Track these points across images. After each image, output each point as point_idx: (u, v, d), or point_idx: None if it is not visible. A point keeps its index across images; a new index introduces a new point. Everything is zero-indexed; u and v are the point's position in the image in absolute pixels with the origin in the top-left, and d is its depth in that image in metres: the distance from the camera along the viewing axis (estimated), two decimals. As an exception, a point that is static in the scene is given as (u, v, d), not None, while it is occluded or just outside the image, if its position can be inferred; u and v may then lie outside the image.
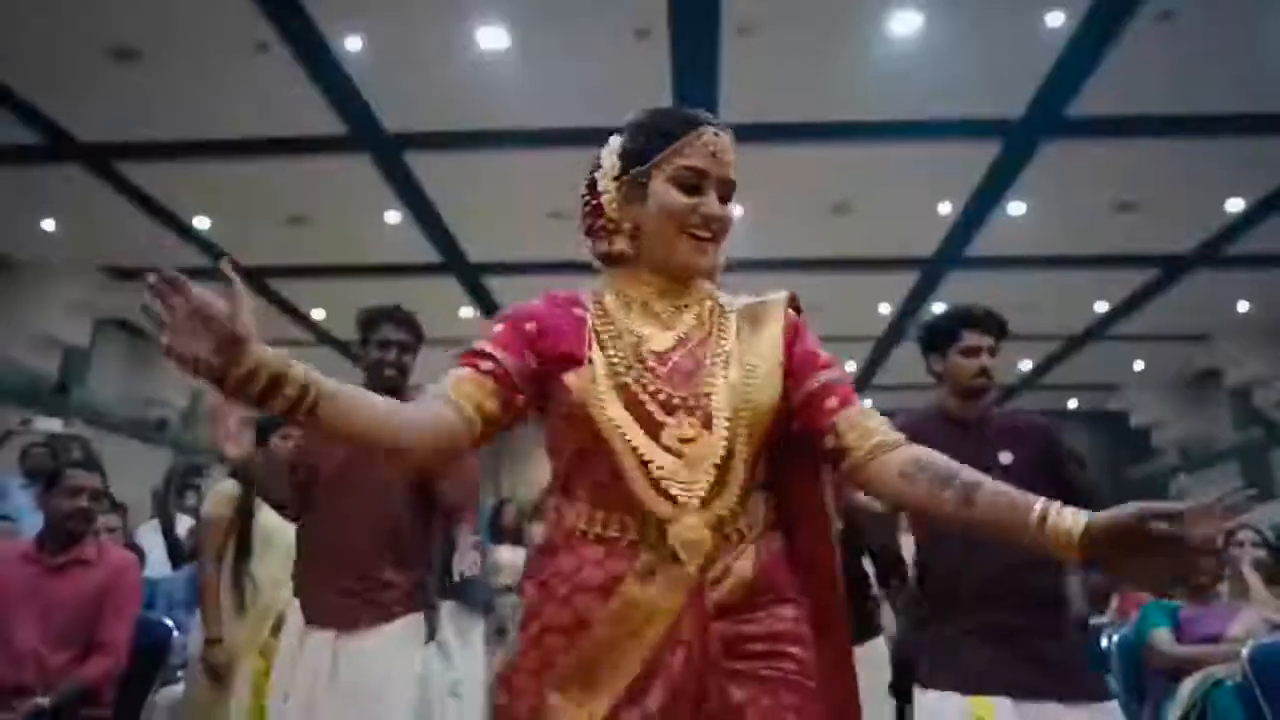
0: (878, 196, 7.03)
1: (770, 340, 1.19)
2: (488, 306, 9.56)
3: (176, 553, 4.01)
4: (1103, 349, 10.64)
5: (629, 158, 1.21)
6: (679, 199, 1.16)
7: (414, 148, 6.41)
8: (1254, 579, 2.96)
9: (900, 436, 1.12)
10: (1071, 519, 0.95)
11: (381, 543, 2.20)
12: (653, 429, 1.09)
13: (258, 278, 8.80)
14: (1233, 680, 2.58)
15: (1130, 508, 0.91)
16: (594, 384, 1.11)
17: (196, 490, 4.90)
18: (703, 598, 1.07)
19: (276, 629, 2.57)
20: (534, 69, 5.61)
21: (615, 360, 1.13)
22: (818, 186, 6.93)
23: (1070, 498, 2.02)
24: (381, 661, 2.12)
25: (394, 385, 2.34)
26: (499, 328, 1.17)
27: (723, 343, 1.17)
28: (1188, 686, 2.72)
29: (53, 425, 4.85)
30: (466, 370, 1.12)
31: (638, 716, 1.02)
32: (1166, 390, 12.11)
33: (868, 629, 2.63)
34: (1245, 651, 2.49)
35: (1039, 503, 0.98)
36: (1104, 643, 3.54)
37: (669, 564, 1.06)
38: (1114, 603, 5.02)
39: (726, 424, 1.10)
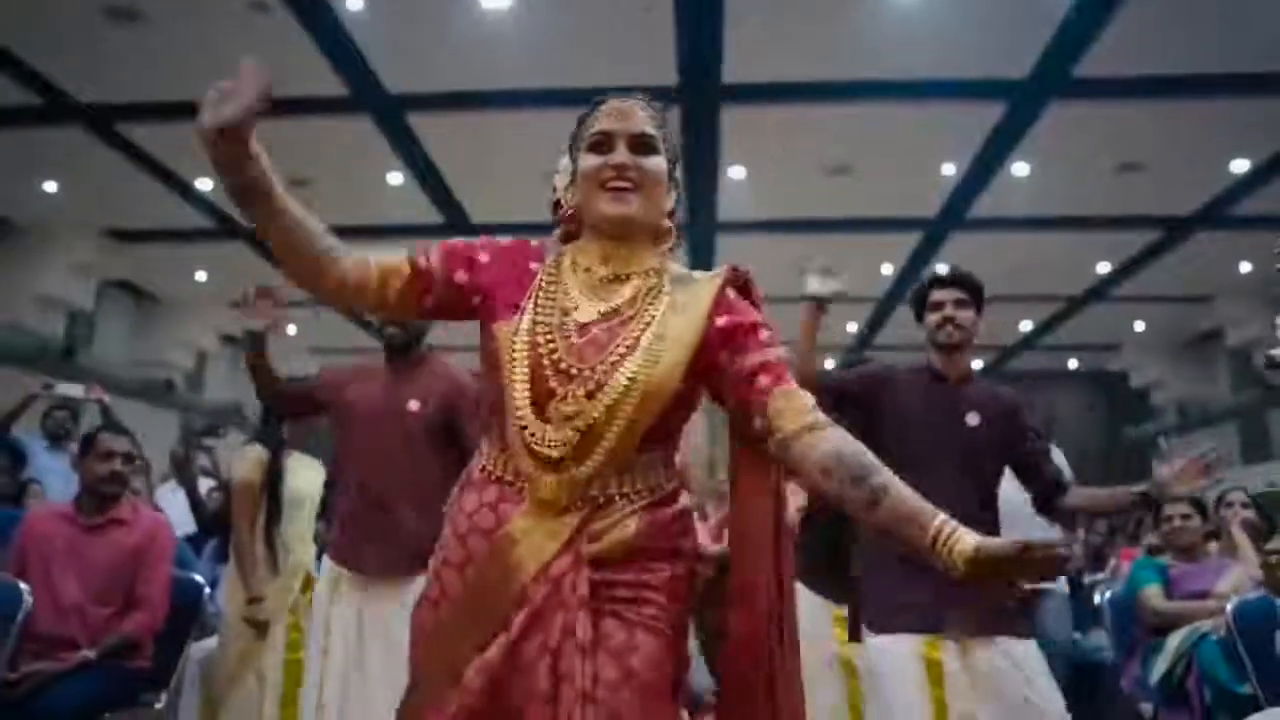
0: (880, 157, 7.00)
1: (692, 318, 1.23)
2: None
3: (201, 514, 4.09)
4: (1104, 310, 10.67)
5: (569, 148, 1.34)
6: (592, 160, 1.25)
7: (416, 109, 6.38)
8: (1242, 538, 3.06)
9: (823, 419, 1.17)
10: (962, 545, 1.04)
11: (405, 482, 2.29)
12: (542, 395, 1.18)
13: (260, 239, 8.80)
14: (1217, 634, 2.69)
15: (1011, 544, 1.02)
16: (513, 340, 1.20)
17: (209, 452, 4.97)
18: (576, 547, 1.15)
19: (306, 586, 2.67)
20: (536, 28, 5.56)
21: (539, 323, 1.21)
22: (820, 147, 6.91)
23: (1020, 465, 2.12)
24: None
25: (405, 346, 2.52)
26: (458, 240, 1.29)
27: (646, 318, 1.22)
28: (1174, 640, 2.83)
29: (74, 389, 4.91)
30: (400, 254, 1.26)
31: (504, 643, 1.12)
32: (1167, 351, 12.17)
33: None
34: (1229, 607, 2.59)
35: (935, 521, 1.07)
36: (1097, 599, 3.66)
37: (548, 515, 1.16)
38: (1112, 562, 5.15)
39: (615, 396, 1.16)
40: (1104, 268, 9.39)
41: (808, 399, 1.19)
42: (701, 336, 1.22)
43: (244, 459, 2.96)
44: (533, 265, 1.28)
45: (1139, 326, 11.59)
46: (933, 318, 2.28)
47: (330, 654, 2.22)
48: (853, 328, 11.98)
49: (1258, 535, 3.21)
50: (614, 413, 1.16)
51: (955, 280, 2.32)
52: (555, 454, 1.16)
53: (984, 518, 2.06)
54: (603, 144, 1.25)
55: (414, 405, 2.38)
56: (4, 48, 5.53)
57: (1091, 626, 3.83)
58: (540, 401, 1.17)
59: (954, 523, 1.07)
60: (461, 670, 1.12)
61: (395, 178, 7.42)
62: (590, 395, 1.16)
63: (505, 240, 1.32)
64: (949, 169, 7.21)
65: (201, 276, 9.93)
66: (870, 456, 1.14)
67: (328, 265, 1.24)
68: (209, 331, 11.08)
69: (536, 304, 1.23)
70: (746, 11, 5.31)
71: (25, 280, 8.29)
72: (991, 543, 1.03)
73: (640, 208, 1.25)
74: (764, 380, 1.19)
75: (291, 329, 12.29)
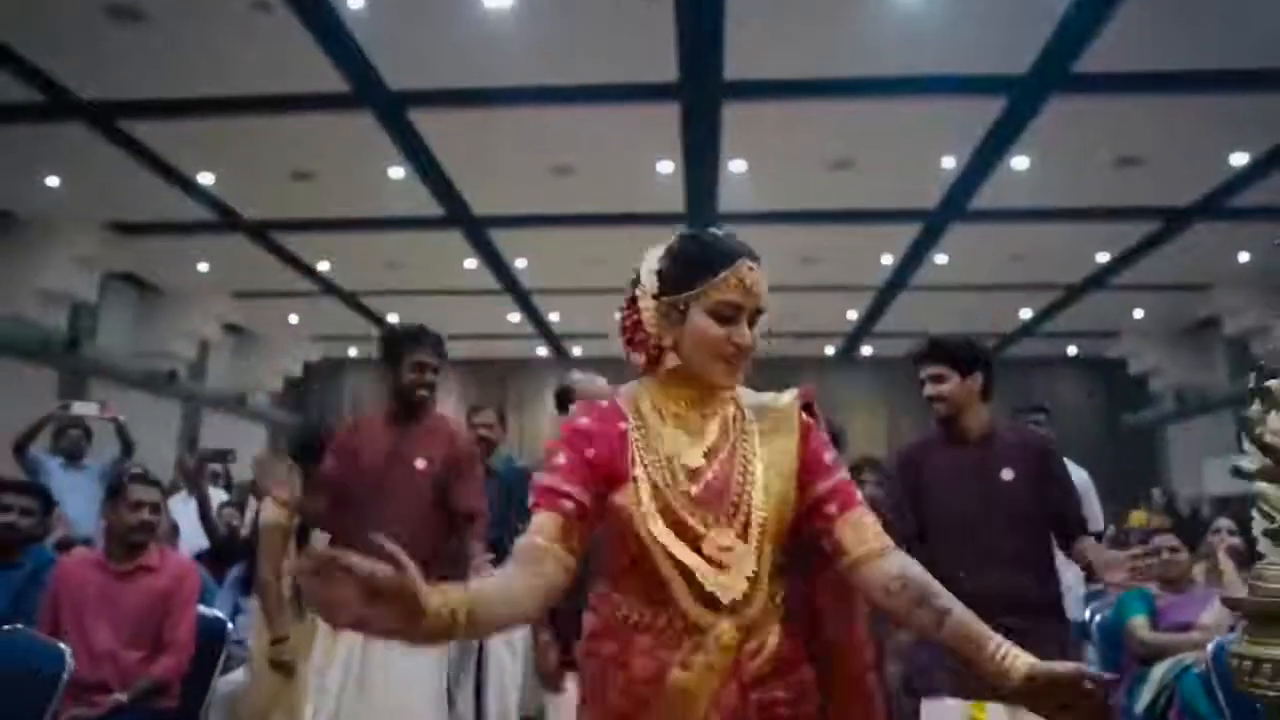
0: (881, 151, 7.02)
1: (786, 448, 1.31)
2: (490, 258, 9.61)
3: (211, 528, 4.18)
4: (1103, 297, 10.71)
5: (668, 282, 1.29)
6: (716, 330, 1.26)
7: (417, 105, 6.39)
8: (1228, 566, 3.11)
9: (888, 544, 1.25)
10: (1018, 664, 1.09)
11: (405, 545, 2.34)
12: (694, 541, 1.21)
13: (261, 231, 8.85)
14: (1199, 668, 2.73)
15: (1069, 666, 1.06)
16: (639, 505, 1.22)
17: (214, 478, 5.08)
18: (740, 673, 1.21)
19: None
20: (538, 25, 5.56)
21: (656, 480, 1.24)
22: (821, 142, 6.92)
23: (1051, 512, 2.11)
24: (407, 660, 2.28)
25: (423, 402, 2.56)
26: (562, 458, 1.25)
27: (746, 451, 1.29)
28: (1159, 671, 2.90)
29: (89, 409, 5.00)
30: (550, 515, 1.20)
31: None
32: (1165, 338, 12.23)
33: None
34: (1209, 647, 2.63)
35: (993, 643, 1.12)
36: (1087, 614, 3.71)
37: (710, 653, 1.20)
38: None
39: (759, 533, 1.23)
40: (1103, 257, 9.42)
41: (874, 524, 1.26)
42: (798, 465, 1.30)
43: (270, 505, 3.01)
44: (620, 425, 1.28)
45: (1138, 314, 11.63)
46: (924, 393, 2.31)
47: (326, 689, 2.31)
48: (853, 315, 12.03)
49: (1244, 562, 3.27)
50: (764, 544, 1.24)
51: (929, 355, 2.31)
52: (737, 595, 1.21)
53: (1044, 583, 2.13)
54: (730, 318, 1.26)
55: (421, 464, 2.49)
56: (5, 45, 5.54)
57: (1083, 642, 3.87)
58: (694, 547, 1.21)
59: (1010, 644, 1.12)
60: None
61: (396, 171, 7.44)
62: (730, 520, 1.23)
63: (585, 422, 1.30)
64: (949, 162, 7.23)
65: (203, 267, 9.96)
66: (932, 580, 1.21)
67: (538, 614, 1.29)
68: (211, 321, 11.12)
69: (644, 461, 1.25)
70: (747, 8, 5.32)
71: (28, 274, 8.32)
72: (1043, 666, 1.07)
73: (741, 377, 1.31)
74: (832, 508, 1.27)
75: (293, 318, 12.36)
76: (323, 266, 9.98)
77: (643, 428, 1.28)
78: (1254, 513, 1.15)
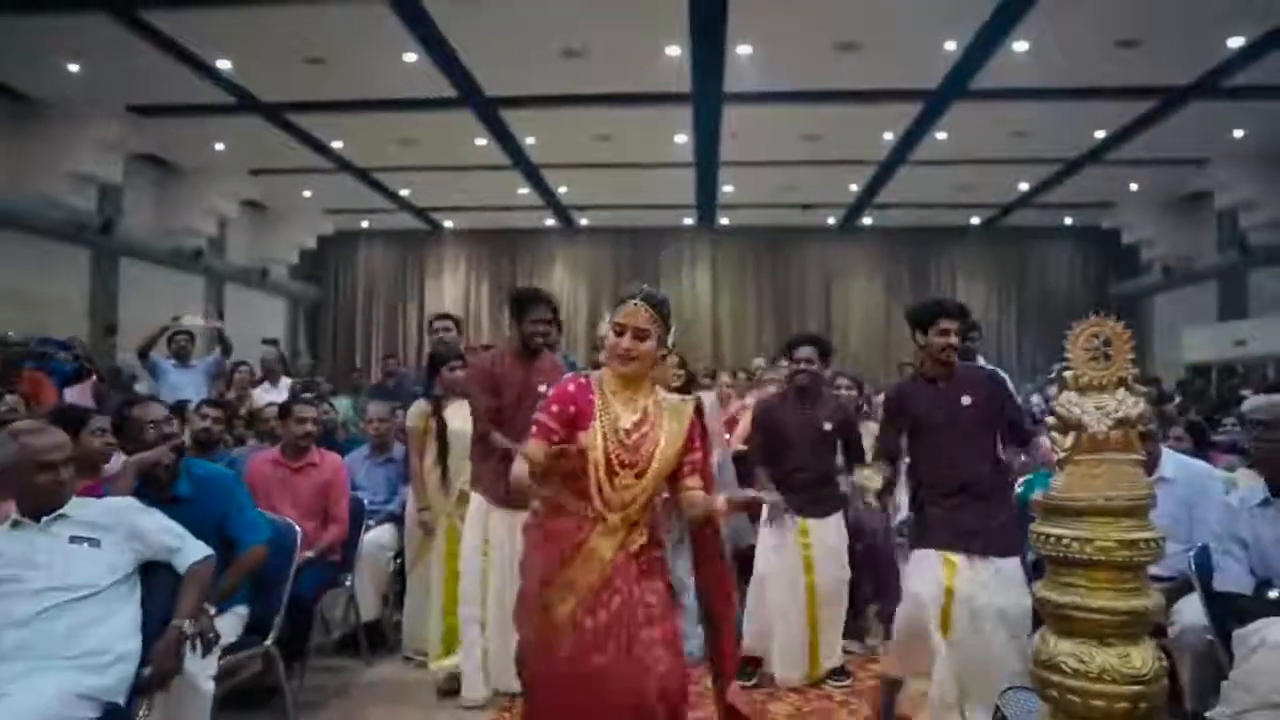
0: (885, 34, 7.15)
1: (679, 431, 2.12)
2: (501, 136, 9.82)
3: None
4: (1100, 171, 10.93)
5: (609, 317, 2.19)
6: (613, 340, 2.10)
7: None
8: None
9: (696, 491, 2.12)
10: (695, 499, 2.12)
11: None
12: (611, 474, 2.05)
13: (277, 112, 9.05)
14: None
15: (743, 494, 2.13)
16: (592, 442, 2.05)
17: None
18: (625, 544, 2.06)
19: (462, 501, 3.49)
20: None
21: (605, 431, 2.07)
22: (826, 24, 7.05)
23: (1005, 423, 2.82)
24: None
25: (538, 349, 3.32)
26: (555, 408, 2.09)
27: (658, 427, 2.11)
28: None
29: (196, 321, 5.65)
30: (539, 442, 2.06)
31: (592, 605, 1.98)
32: (1158, 210, 12.49)
33: (836, 505, 3.61)
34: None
35: (689, 505, 2.13)
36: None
37: (609, 532, 2.04)
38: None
39: (650, 478, 2.08)
40: (1100, 134, 9.62)
41: (696, 484, 2.12)
42: (684, 442, 2.12)
43: (415, 411, 3.78)
44: (590, 396, 2.12)
45: (1133, 187, 11.87)
46: (938, 341, 2.93)
47: (491, 554, 3.21)
48: (854, 188, 12.28)
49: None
50: (648, 486, 2.08)
51: (961, 313, 2.98)
52: (622, 501, 2.05)
53: (991, 473, 2.89)
54: (621, 331, 2.08)
55: (542, 388, 3.20)
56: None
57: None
58: (610, 476, 2.04)
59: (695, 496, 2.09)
60: (554, 606, 2.01)
61: (410, 56, 7.59)
62: (639, 476, 2.07)
63: (570, 389, 2.13)
64: (950, 45, 7.37)
65: (220, 147, 10.20)
66: (686, 499, 2.11)
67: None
68: (229, 198, 11.44)
69: (601, 418, 2.08)
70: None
71: (57, 158, 8.61)
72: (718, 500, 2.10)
73: (633, 369, 2.10)
74: (685, 470, 2.13)
75: (307, 193, 12.64)
76: (337, 145, 10.20)
77: (603, 399, 2.10)
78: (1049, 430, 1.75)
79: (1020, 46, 7.33)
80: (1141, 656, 1.68)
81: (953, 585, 2.72)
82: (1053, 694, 1.74)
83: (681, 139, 9.94)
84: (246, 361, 5.75)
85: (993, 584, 2.72)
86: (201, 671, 2.16)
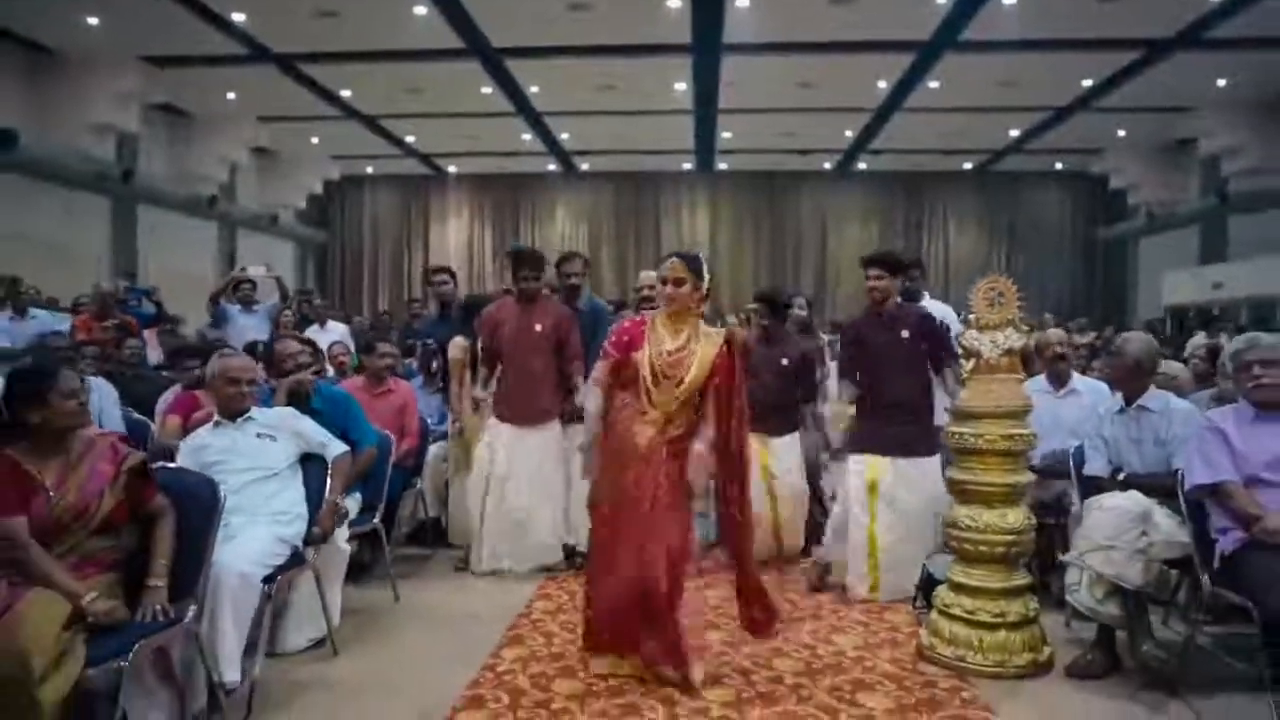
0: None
1: (709, 354, 2.68)
2: (506, 85, 10.07)
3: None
4: (1088, 118, 11.22)
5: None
6: (659, 289, 2.79)
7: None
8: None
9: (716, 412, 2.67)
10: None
11: (536, 379, 3.85)
12: (656, 382, 2.67)
13: (288, 62, 9.29)
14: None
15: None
16: (643, 360, 2.69)
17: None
18: (664, 434, 2.66)
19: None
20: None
21: (651, 353, 2.69)
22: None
23: (931, 353, 3.40)
24: (542, 443, 3.85)
25: (534, 293, 3.87)
26: (614, 339, 2.76)
27: (693, 351, 2.69)
28: None
29: (259, 270, 6.16)
30: (606, 363, 2.75)
31: (634, 475, 2.60)
32: (1145, 156, 12.79)
33: (793, 426, 4.15)
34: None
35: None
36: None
37: (651, 423, 2.66)
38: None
39: (684, 387, 2.66)
40: (1087, 83, 9.90)
41: (713, 400, 2.67)
42: (713, 363, 2.66)
43: (455, 345, 4.36)
44: (643, 328, 2.76)
45: (1121, 133, 12.16)
46: (867, 285, 3.59)
47: (495, 462, 3.86)
48: (849, 134, 12.55)
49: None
50: (684, 393, 2.67)
51: (885, 263, 3.57)
52: (662, 403, 2.66)
53: (920, 393, 3.50)
54: (664, 282, 2.74)
55: (538, 328, 3.87)
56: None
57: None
58: (655, 385, 2.66)
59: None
60: (615, 478, 2.65)
61: (420, 9, 7.84)
62: (678, 385, 2.67)
63: (628, 324, 2.82)
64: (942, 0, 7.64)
65: (232, 95, 10.44)
66: (713, 415, 2.65)
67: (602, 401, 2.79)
68: (239, 145, 11.70)
69: (650, 344, 2.71)
70: None
71: (79, 109, 8.90)
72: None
73: (674, 308, 2.73)
74: (712, 388, 2.67)
75: (315, 139, 12.89)
76: (345, 94, 10.45)
77: (653, 331, 2.75)
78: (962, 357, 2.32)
79: (1009, 0, 7.59)
80: (1015, 515, 2.65)
81: (876, 481, 3.41)
82: (954, 544, 2.72)
83: (681, 87, 10.20)
84: (290, 306, 6.27)
85: (913, 476, 3.42)
86: (340, 536, 2.97)
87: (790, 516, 4.06)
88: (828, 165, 14.59)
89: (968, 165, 14.55)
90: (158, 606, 2.02)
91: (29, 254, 7.92)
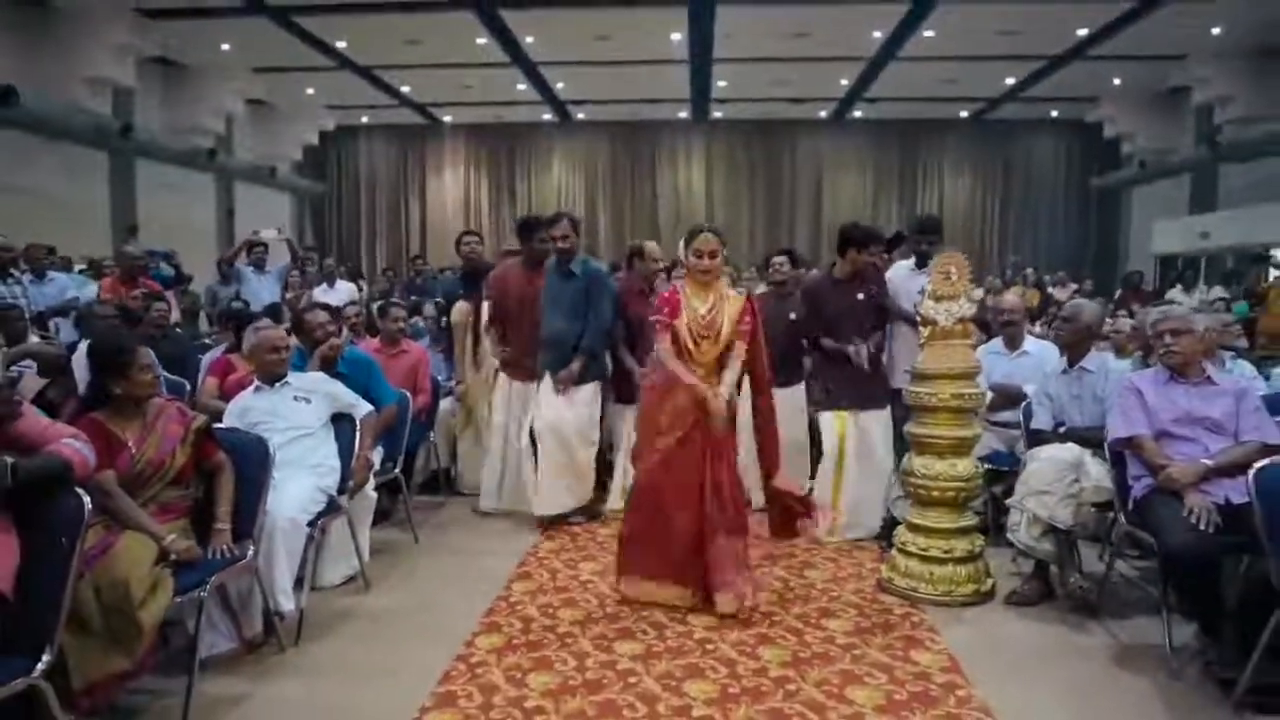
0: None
1: (734, 313, 3.06)
2: (502, 35, 10.11)
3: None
4: (1083, 66, 11.25)
5: (685, 242, 3.16)
6: (694, 261, 3.09)
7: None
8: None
9: (741, 354, 3.06)
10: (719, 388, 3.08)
11: (534, 333, 4.11)
12: (696, 341, 3.07)
13: (285, 14, 9.32)
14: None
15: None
16: (684, 325, 3.06)
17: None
18: (713, 386, 3.02)
19: (494, 377, 4.39)
20: None
21: (688, 317, 3.06)
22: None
23: (880, 309, 3.84)
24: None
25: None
26: (666, 309, 3.06)
27: (722, 311, 3.07)
28: None
29: (270, 234, 6.38)
30: (665, 333, 3.06)
31: (682, 432, 3.00)
32: (1139, 104, 12.82)
33: (799, 379, 4.43)
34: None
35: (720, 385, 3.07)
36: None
37: (699, 377, 3.04)
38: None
39: (719, 342, 3.06)
40: (1082, 31, 9.95)
41: (740, 349, 3.05)
42: (735, 322, 3.04)
43: (458, 309, 4.63)
44: (678, 296, 3.10)
45: (1116, 81, 12.20)
46: (867, 258, 3.96)
47: (496, 412, 4.29)
48: (845, 82, 12.59)
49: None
50: (718, 347, 3.05)
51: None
52: (705, 359, 3.03)
53: (876, 348, 3.92)
54: (700, 255, 3.05)
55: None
56: None
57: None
58: (695, 344, 3.03)
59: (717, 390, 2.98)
60: (662, 430, 3.02)
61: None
62: (714, 341, 3.04)
63: (669, 294, 3.12)
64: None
65: (226, 47, 10.47)
66: (740, 360, 3.05)
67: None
68: (234, 95, 11.72)
69: (687, 310, 3.06)
70: None
71: (74, 63, 8.90)
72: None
73: (709, 278, 3.09)
74: (739, 338, 3.06)
75: (310, 90, 12.91)
76: (340, 45, 10.48)
77: (686, 297, 3.10)
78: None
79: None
80: (964, 465, 3.10)
81: (844, 434, 3.83)
82: (909, 489, 3.15)
83: (677, 37, 10.24)
84: (299, 267, 6.53)
85: (876, 429, 3.87)
86: (369, 485, 3.34)
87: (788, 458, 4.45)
88: (823, 114, 14.61)
89: (963, 113, 14.57)
90: (225, 546, 2.38)
91: (30, 210, 8.00)
